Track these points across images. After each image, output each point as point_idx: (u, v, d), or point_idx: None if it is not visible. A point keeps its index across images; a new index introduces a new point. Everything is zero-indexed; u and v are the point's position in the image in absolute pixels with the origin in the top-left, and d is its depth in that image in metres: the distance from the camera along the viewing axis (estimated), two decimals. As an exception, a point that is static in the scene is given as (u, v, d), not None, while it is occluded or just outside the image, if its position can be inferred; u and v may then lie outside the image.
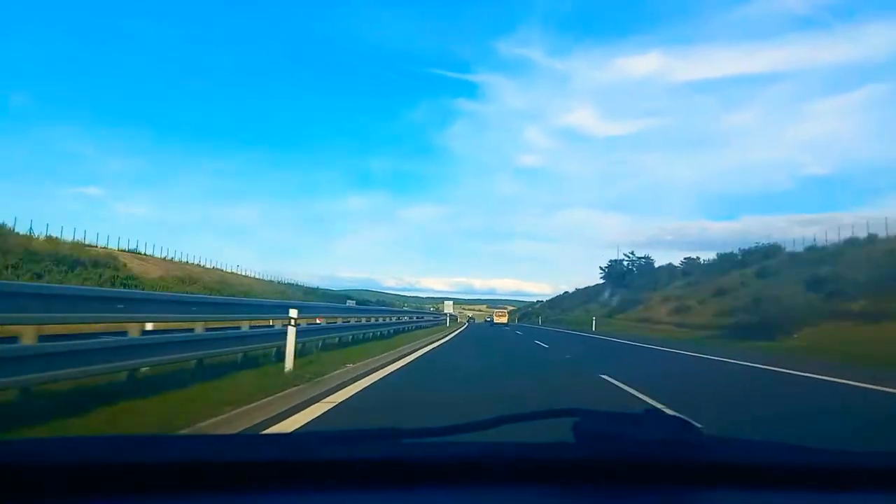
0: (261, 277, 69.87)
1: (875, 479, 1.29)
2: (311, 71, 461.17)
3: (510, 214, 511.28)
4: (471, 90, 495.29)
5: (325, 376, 8.51)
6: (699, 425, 1.27)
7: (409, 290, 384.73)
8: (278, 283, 71.26)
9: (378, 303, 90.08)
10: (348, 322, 17.99)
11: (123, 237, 58.41)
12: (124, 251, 47.97)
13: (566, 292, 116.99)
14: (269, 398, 6.47)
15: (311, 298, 45.57)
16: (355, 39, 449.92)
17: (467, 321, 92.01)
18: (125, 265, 39.92)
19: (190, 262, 58.75)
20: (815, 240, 48.44)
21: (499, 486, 1.22)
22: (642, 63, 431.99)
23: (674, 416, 1.28)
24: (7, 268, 26.69)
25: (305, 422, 5.76)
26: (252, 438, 1.59)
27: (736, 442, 1.36)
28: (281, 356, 9.37)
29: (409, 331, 28.04)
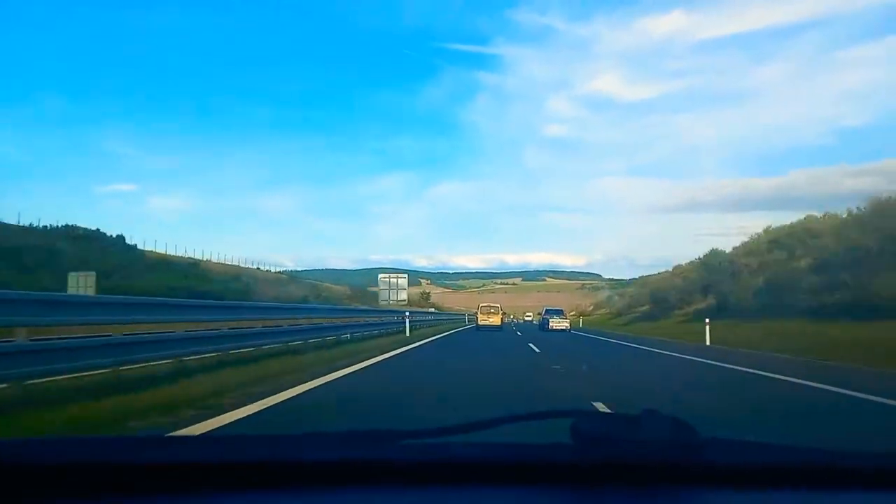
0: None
1: (872, 478, 1.31)
2: (334, 55, 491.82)
3: (540, 187, 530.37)
4: (493, 63, 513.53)
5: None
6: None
7: (440, 269, 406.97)
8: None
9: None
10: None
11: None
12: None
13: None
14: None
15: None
16: (375, 19, 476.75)
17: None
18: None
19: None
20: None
21: (496, 487, 1.25)
22: (666, 22, 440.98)
23: (671, 418, 1.28)
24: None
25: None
26: (250, 439, 1.55)
27: (733, 443, 1.36)
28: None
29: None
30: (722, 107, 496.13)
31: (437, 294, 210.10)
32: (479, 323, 37.11)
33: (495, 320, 37.11)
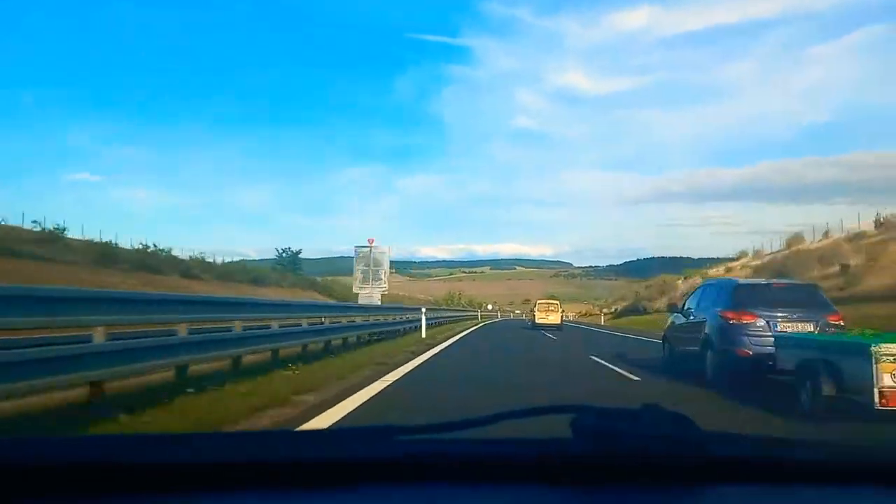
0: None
1: (874, 473, 1.32)
2: (302, 46, 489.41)
3: (509, 179, 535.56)
4: (461, 55, 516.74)
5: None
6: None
7: (408, 259, 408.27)
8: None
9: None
10: None
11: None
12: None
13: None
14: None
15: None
16: (342, 9, 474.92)
17: None
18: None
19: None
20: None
21: (496, 483, 1.24)
22: (633, 17, 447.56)
23: (673, 412, 1.29)
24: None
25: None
26: (248, 437, 1.55)
27: (735, 437, 1.38)
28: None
29: None
30: (691, 101, 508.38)
31: (400, 283, 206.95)
32: (537, 321, 36.39)
33: (554, 319, 36.02)
